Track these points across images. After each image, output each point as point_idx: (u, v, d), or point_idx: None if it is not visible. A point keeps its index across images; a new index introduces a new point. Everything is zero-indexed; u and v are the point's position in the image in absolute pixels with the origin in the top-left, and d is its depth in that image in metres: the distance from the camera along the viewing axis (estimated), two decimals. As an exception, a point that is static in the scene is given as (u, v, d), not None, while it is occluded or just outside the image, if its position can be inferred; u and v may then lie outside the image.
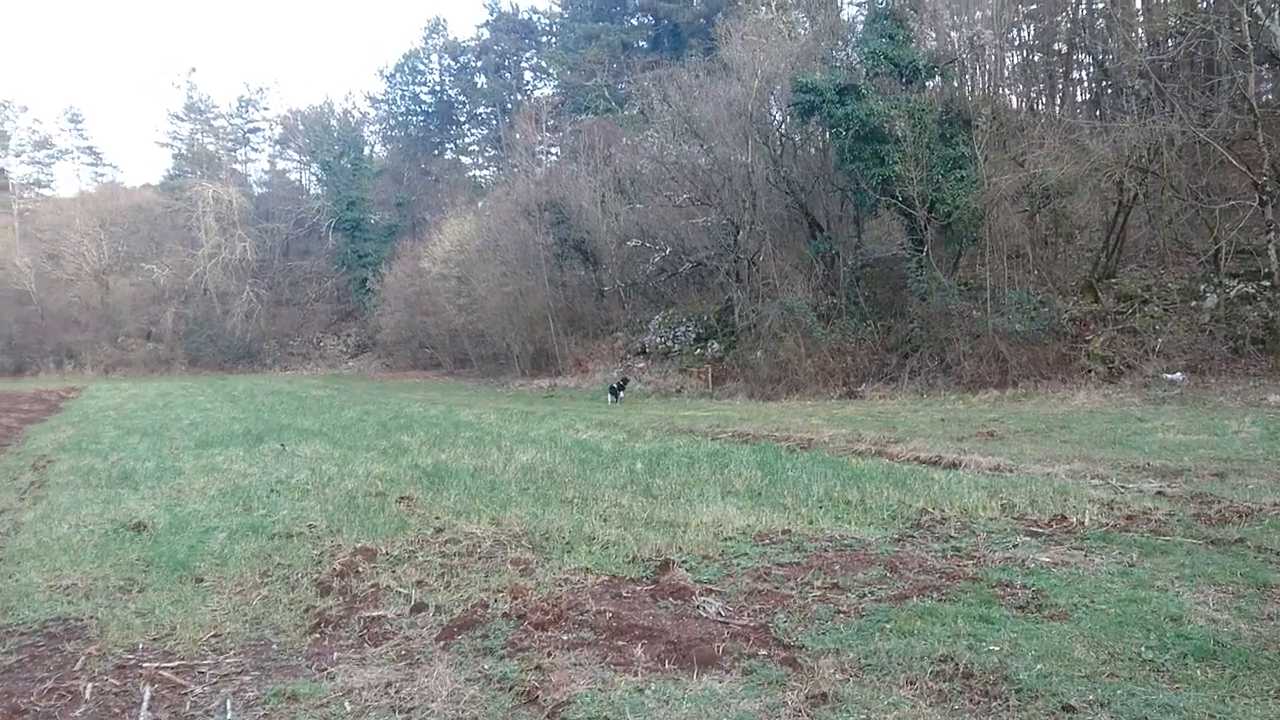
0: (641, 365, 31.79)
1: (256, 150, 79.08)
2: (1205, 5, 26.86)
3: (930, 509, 8.44)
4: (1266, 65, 22.44)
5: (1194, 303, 23.51)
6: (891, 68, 24.99)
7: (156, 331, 62.68)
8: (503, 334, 37.65)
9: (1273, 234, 21.80)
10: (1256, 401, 18.20)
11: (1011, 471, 11.12)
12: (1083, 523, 7.80)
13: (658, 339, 32.25)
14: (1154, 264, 25.37)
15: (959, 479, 9.76)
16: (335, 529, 8.66)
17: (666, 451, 13.08)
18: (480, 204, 51.34)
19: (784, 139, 29.64)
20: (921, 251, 24.99)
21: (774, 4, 34.20)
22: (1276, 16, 22.34)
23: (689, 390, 28.04)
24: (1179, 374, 21.42)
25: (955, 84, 27.85)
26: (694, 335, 31.12)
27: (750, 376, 26.44)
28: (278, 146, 79.07)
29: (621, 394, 26.81)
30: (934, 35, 31.13)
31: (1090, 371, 22.52)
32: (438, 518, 9.02)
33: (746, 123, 27.67)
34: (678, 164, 29.50)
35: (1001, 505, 8.50)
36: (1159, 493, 9.21)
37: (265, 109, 77.00)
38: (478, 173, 70.51)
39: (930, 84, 25.87)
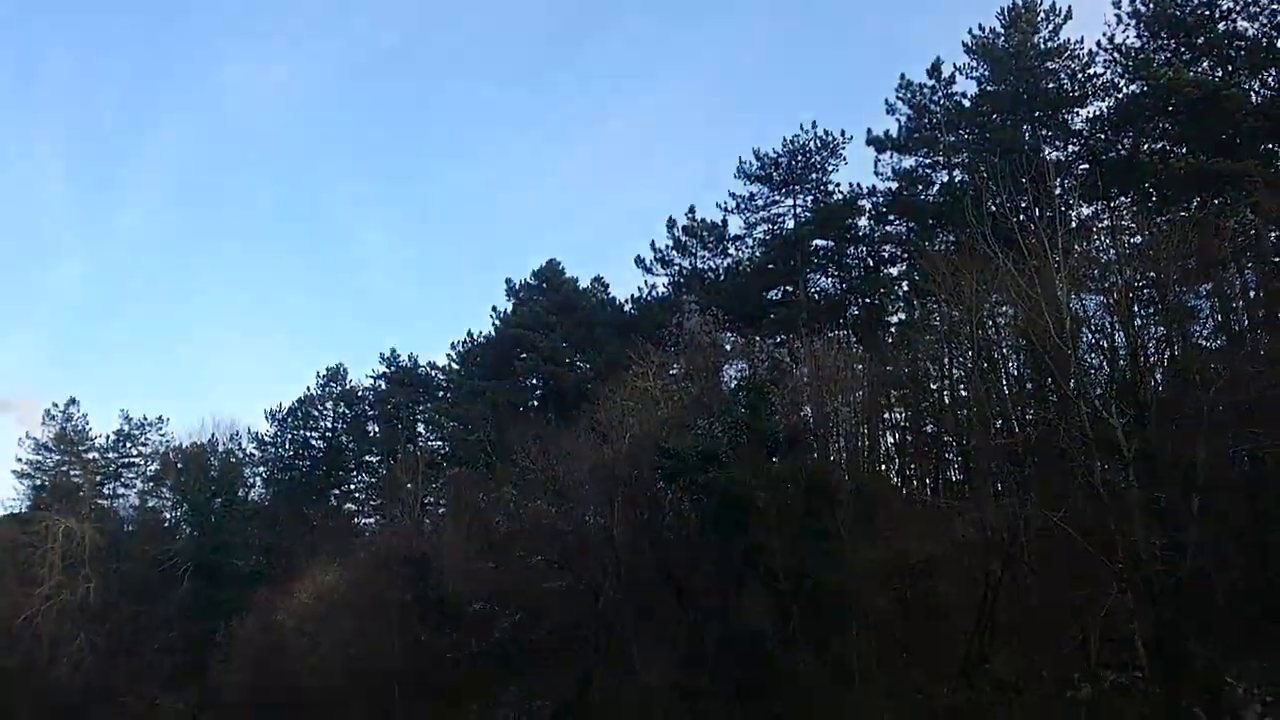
0: (492, 744, 28.56)
1: (128, 486, 75.58)
2: (1050, 393, 28.27)
3: None
4: (1109, 456, 23.03)
5: (1069, 693, 22.32)
6: (754, 438, 25.10)
7: (-38, 681, 55.39)
8: (346, 702, 33.90)
9: (1136, 623, 21.25)
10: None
11: None
12: None
13: (512, 713, 29.26)
14: (1026, 649, 24.33)
15: None
16: None
17: None
18: (350, 554, 48.84)
19: (651, 503, 29.02)
20: (788, 627, 23.68)
21: (652, 373, 35.08)
22: (1113, 409, 23.35)
23: (538, 778, 24.90)
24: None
25: (816, 457, 28.08)
26: (550, 711, 28.31)
27: (605, 763, 23.70)
28: (151, 483, 75.84)
29: None
30: (807, 409, 32.00)
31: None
32: None
33: (613, 485, 27.10)
34: (537, 522, 28.45)
35: None
36: None
37: (144, 444, 74.57)
38: (361, 520, 68.20)
39: (792, 455, 25.95)
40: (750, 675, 24.86)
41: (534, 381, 55.14)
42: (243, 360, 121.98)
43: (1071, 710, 21.40)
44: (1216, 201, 30.21)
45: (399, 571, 34.77)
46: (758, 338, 38.07)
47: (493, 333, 57.25)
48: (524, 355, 53.39)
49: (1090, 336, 27.27)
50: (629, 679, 24.89)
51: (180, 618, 60.65)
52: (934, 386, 36.21)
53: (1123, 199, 36.01)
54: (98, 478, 72.71)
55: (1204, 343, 29.93)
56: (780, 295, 45.80)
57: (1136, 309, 28.04)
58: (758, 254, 46.47)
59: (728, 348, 39.37)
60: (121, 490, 75.32)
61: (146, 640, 61.63)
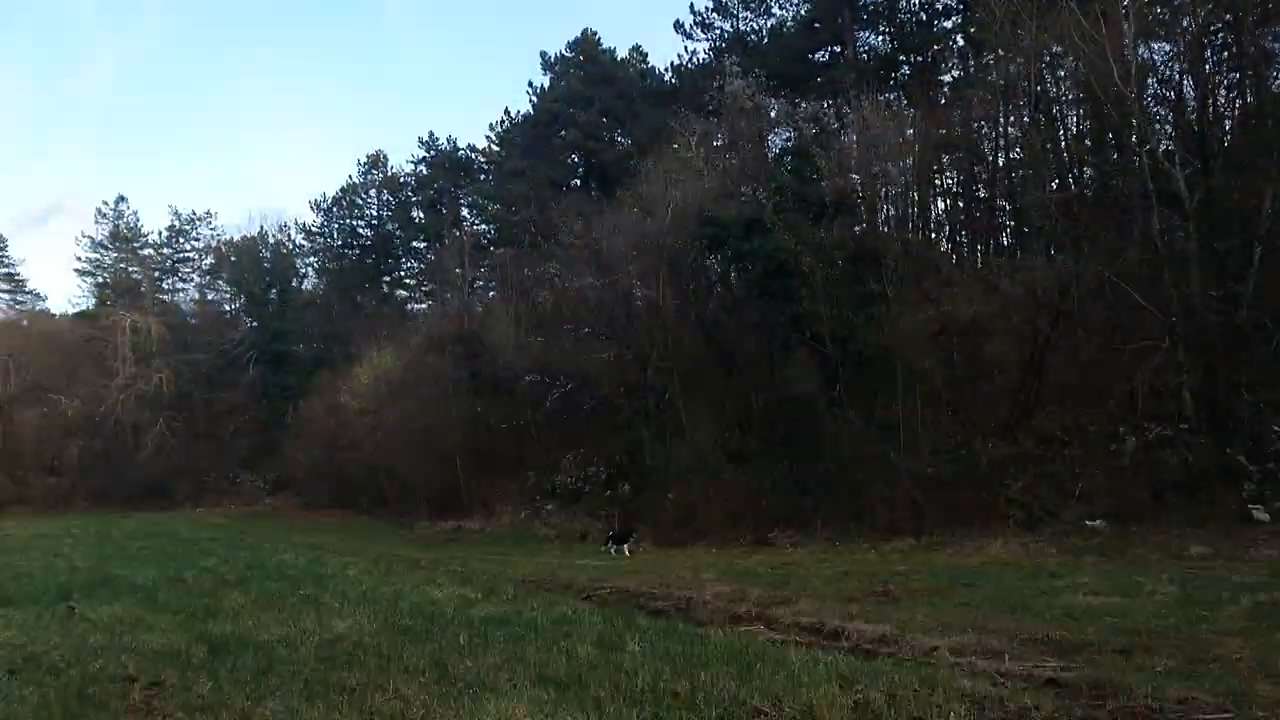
0: (550, 507, 30.06)
1: (185, 280, 77.39)
2: (1111, 146, 27.12)
3: (767, 708, 6.87)
4: (1170, 208, 22.26)
5: (1113, 446, 22.63)
6: (799, 204, 24.55)
7: (59, 466, 59.43)
8: (411, 472, 35.79)
9: (1185, 376, 21.21)
10: (1178, 553, 17.09)
11: (894, 645, 9.66)
12: (943, 729, 6.30)
13: (568, 479, 30.65)
14: (1072, 405, 24.53)
15: (816, 662, 8.21)
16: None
17: (510, 617, 11.39)
18: (404, 337, 50.13)
19: (696, 274, 28.94)
20: (834, 390, 24.02)
21: (694, 142, 34.08)
22: (1176, 160, 22.39)
23: (595, 536, 26.27)
24: (1099, 521, 20.32)
25: (865, 222, 27.52)
26: (605, 476, 29.58)
27: (658, 521, 24.87)
28: (208, 277, 77.56)
29: (627, 545, 22.86)
30: (853, 173, 31.06)
31: (1009, 518, 21.32)
32: (168, 716, 7.25)
33: (657, 257, 26.96)
34: (583, 296, 28.59)
35: (854, 702, 6.95)
36: (1050, 680, 7.78)
37: (196, 239, 75.70)
38: (414, 306, 69.60)
39: (839, 220, 25.41)
40: (797, 437, 25.56)
41: (574, 159, 54.14)
42: (283, 151, 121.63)
43: (1115, 461, 21.76)
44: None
45: (452, 350, 35.68)
46: (803, 103, 36.50)
47: (530, 111, 55.76)
48: (563, 132, 52.15)
49: (1156, 88, 25.78)
50: (679, 443, 25.72)
51: (250, 403, 63.74)
52: (988, 148, 34.89)
53: (1203, -70, 32.89)
54: (155, 273, 74.44)
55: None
56: (827, 56, 43.58)
57: (1208, 54, 26.30)
58: (803, 12, 43.84)
59: (772, 114, 37.94)
60: (180, 285, 77.33)
61: (221, 424, 65.14)
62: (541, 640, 9.64)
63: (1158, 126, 25.17)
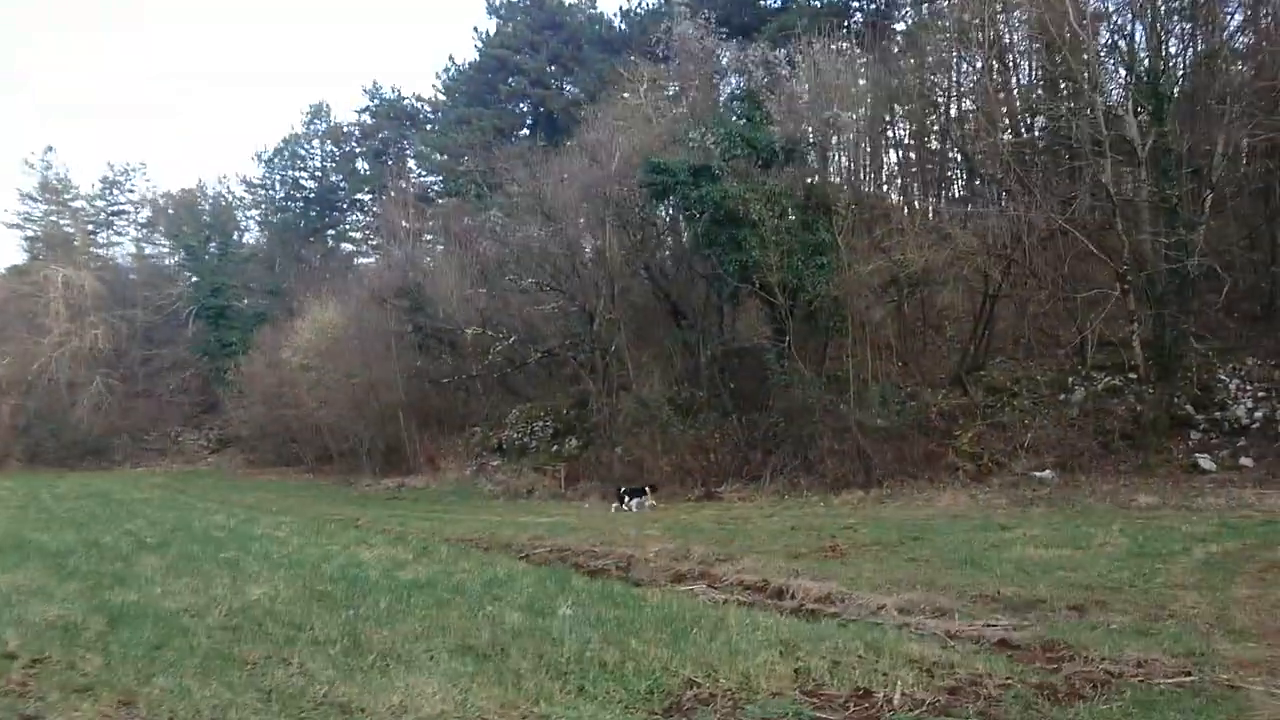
0: (496, 463, 29.41)
1: (120, 234, 74.74)
2: (1064, 94, 26.73)
3: (701, 678, 6.35)
4: (1122, 156, 21.94)
5: (1062, 396, 22.50)
6: (748, 150, 23.81)
7: (-9, 426, 57.38)
8: (355, 429, 34.89)
9: (1135, 325, 21.04)
10: (1126, 503, 16.99)
11: (840, 604, 9.26)
12: (890, 700, 5.82)
13: (514, 434, 30.00)
14: (1022, 356, 24.36)
15: (756, 626, 7.72)
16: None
17: (438, 579, 10.79)
18: (348, 291, 48.82)
19: (644, 223, 28.14)
20: (783, 341, 23.52)
21: (643, 89, 33.15)
22: (1129, 108, 22.06)
23: (541, 491, 25.74)
24: (1048, 471, 20.19)
25: (815, 169, 26.90)
26: (551, 431, 28.97)
27: (605, 476, 24.35)
28: (145, 230, 75.00)
29: (638, 501, 20.95)
30: (804, 120, 30.33)
31: (958, 469, 21.12)
32: (42, 699, 6.56)
33: (602, 205, 26.12)
34: (528, 246, 27.67)
35: (795, 670, 6.46)
36: (1002, 641, 7.38)
37: (131, 191, 73.03)
38: (360, 259, 68.06)
39: (789, 168, 24.72)
40: (746, 389, 25.08)
41: (522, 106, 52.88)
42: (223, 102, 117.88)
43: (1063, 411, 21.61)
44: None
45: (394, 304, 34.66)
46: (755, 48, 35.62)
47: (477, 57, 54.24)
48: (510, 79, 50.79)
49: (1109, 35, 25.40)
50: (626, 396, 25.18)
51: (191, 359, 62.08)
52: (940, 96, 34.38)
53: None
54: (89, 226, 71.89)
55: (1231, 39, 27.84)
56: (779, 2, 42.67)
57: (1160, 2, 25.99)
58: (755, -45, 42.80)
59: (723, 61, 37.01)
60: (115, 238, 74.80)
61: (161, 381, 63.41)
62: (467, 605, 9.06)
63: (1110, 72, 24.85)
